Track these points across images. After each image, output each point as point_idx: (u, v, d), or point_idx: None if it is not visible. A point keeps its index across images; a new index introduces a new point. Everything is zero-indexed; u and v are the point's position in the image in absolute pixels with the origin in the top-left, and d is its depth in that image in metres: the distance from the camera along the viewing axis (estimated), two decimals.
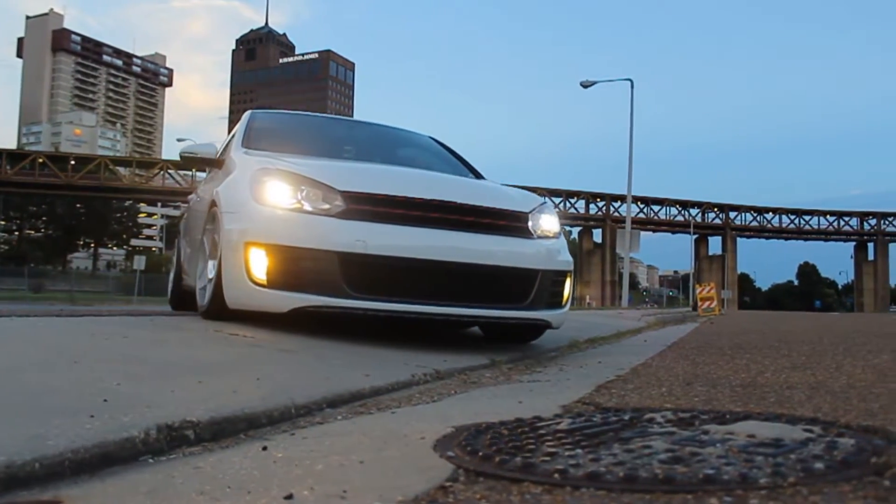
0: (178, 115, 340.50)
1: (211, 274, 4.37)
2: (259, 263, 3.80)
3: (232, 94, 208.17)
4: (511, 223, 4.29)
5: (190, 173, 61.51)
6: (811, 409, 2.11)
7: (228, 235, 3.97)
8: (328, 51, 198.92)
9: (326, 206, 3.86)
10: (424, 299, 3.86)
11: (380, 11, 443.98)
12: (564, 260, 4.51)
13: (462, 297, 3.97)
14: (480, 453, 1.52)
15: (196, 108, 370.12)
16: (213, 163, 5.26)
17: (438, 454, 1.55)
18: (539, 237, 4.39)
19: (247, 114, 5.80)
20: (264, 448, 1.71)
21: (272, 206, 3.89)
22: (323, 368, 2.87)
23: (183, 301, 7.01)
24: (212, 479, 1.44)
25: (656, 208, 72.49)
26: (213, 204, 4.47)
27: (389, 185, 4.11)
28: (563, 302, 4.53)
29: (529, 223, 4.38)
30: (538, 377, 3.25)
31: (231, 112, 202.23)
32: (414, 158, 5.92)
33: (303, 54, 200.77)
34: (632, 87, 29.70)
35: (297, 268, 3.76)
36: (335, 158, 5.12)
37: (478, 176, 5.61)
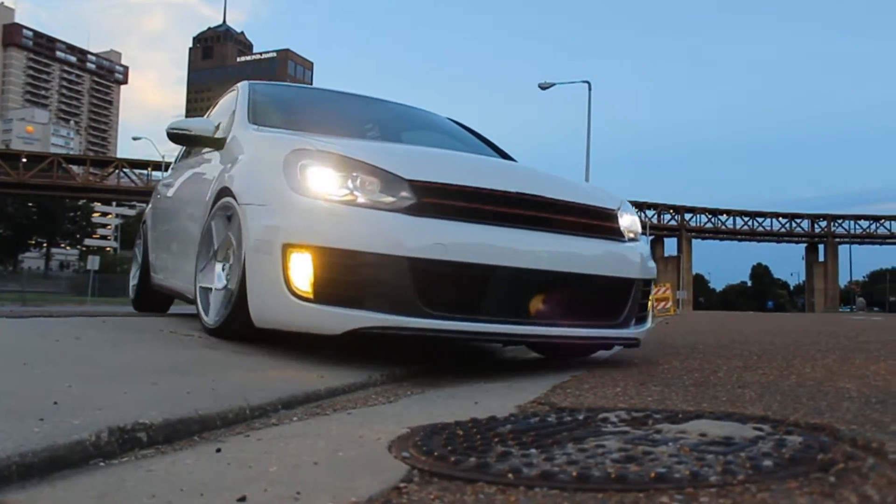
0: (134, 113, 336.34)
1: (222, 282, 3.66)
2: (302, 271, 3.03)
3: (189, 93, 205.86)
4: (603, 223, 3.67)
5: (146, 172, 60.76)
6: (761, 408, 2.15)
7: (257, 234, 3.23)
8: (286, 50, 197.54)
9: (390, 199, 3.11)
10: (514, 318, 3.23)
11: (339, 10, 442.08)
12: (653, 266, 3.93)
13: (555, 315, 3.34)
14: (435, 454, 1.53)
15: (152, 106, 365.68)
16: (210, 142, 4.40)
17: (393, 455, 1.55)
18: (629, 240, 3.80)
19: (242, 85, 4.90)
20: (218, 450, 1.70)
21: (317, 197, 3.11)
22: (279, 370, 2.86)
23: (150, 302, 6.41)
24: (164, 482, 1.42)
25: None
26: (224, 193, 3.69)
27: (465, 174, 3.42)
28: (648, 316, 3.93)
29: (620, 223, 3.78)
30: (495, 378, 3.26)
31: (188, 111, 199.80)
32: (444, 142, 5.03)
33: (261, 53, 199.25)
34: (589, 89, 29.94)
35: (355, 278, 3.01)
36: (364, 139, 4.40)
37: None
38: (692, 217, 75.97)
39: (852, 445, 1.57)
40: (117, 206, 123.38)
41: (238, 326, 3.38)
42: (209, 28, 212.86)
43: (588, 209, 3.61)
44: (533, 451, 1.53)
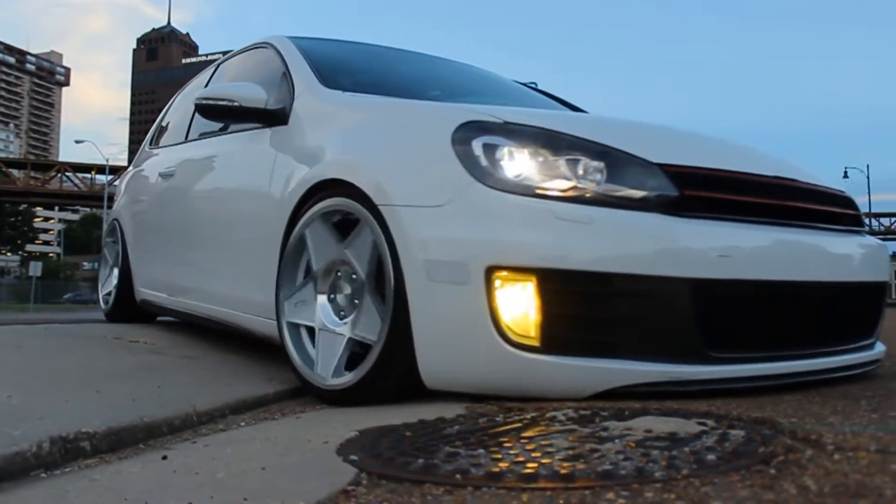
0: (77, 116, 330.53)
1: (334, 324, 2.52)
2: (520, 307, 2.07)
3: (133, 95, 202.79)
4: (851, 212, 2.82)
5: (89, 176, 59.56)
6: (706, 404, 2.18)
7: (430, 251, 2.19)
8: (232, 51, 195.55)
9: (638, 193, 2.15)
10: (811, 349, 2.41)
11: (285, 12, 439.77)
12: None
13: (835, 339, 2.54)
14: (383, 456, 1.53)
15: (95, 108, 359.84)
16: (262, 116, 3.23)
17: (342, 458, 1.55)
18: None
19: (281, 41, 3.71)
20: (164, 457, 1.68)
21: (525, 192, 2.12)
22: (226, 374, 2.83)
23: (133, 317, 5.00)
24: (108, 491, 1.40)
25: None
26: (328, 189, 2.59)
27: (712, 154, 2.54)
28: None
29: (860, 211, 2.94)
30: None
31: (132, 113, 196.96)
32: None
33: (206, 55, 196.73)
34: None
35: (609, 313, 2.09)
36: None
37: None
38: None
39: (792, 438, 1.60)
40: (60, 210, 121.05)
41: (387, 388, 2.31)
42: (153, 29, 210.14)
43: (837, 196, 2.78)
44: (481, 451, 1.54)
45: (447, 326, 2.16)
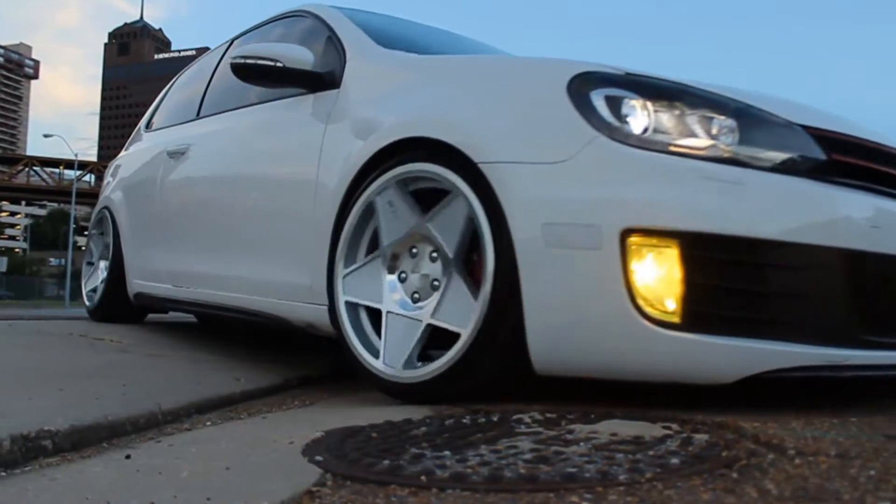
0: (45, 110, 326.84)
1: (412, 308, 2.29)
2: (658, 276, 1.85)
3: (104, 90, 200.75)
4: None
5: (57, 171, 58.83)
6: (672, 407, 2.20)
7: (548, 214, 1.95)
8: (206, 48, 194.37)
9: (784, 156, 1.97)
10: None
11: (258, 10, 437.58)
12: None
13: None
14: (349, 457, 1.52)
15: (65, 102, 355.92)
16: (307, 79, 2.97)
17: (307, 459, 1.54)
18: None
19: (322, 7, 3.44)
20: (127, 456, 1.66)
21: (660, 148, 1.93)
22: (193, 373, 2.81)
23: (123, 314, 4.66)
24: (69, 491, 1.39)
25: None
26: (398, 155, 2.34)
27: (847, 125, 2.25)
28: None
29: None
30: None
31: (103, 108, 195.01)
32: None
33: (179, 51, 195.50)
34: None
35: (761, 287, 1.87)
36: None
37: None
38: None
39: (755, 442, 1.62)
40: (27, 205, 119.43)
41: (482, 378, 2.13)
42: (125, 24, 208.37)
43: None
44: (447, 452, 1.54)
45: (570, 299, 1.92)
